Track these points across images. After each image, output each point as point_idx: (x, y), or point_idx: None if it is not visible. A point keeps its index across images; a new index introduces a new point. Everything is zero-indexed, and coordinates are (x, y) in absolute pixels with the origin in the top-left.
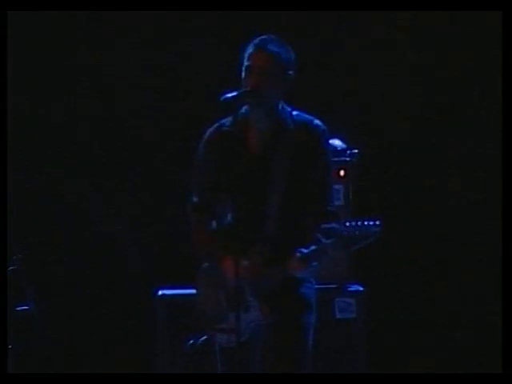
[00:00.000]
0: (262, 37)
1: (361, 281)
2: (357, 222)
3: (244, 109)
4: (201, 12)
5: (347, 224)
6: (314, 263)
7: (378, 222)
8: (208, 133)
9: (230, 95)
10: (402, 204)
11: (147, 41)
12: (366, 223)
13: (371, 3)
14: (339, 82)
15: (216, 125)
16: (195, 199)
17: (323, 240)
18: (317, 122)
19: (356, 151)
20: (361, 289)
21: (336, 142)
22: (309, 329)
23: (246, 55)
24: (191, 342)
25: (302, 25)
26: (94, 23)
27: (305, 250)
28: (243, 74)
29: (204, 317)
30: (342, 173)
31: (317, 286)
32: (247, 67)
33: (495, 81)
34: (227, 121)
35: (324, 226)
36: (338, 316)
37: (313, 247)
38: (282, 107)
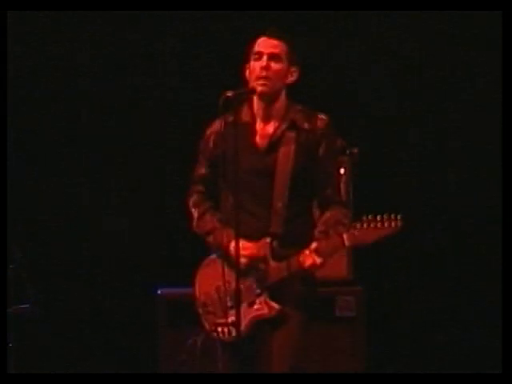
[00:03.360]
0: (272, 27)
1: (361, 279)
2: (376, 215)
3: (248, 100)
4: (202, 12)
5: (366, 217)
6: (329, 257)
7: (399, 217)
8: (211, 125)
9: (230, 93)
10: (402, 202)
11: (148, 39)
12: (385, 217)
13: (371, 3)
14: (339, 80)
15: (219, 118)
16: (196, 187)
17: (333, 233)
18: (320, 113)
19: (356, 150)
20: (360, 287)
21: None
22: (309, 327)
23: (256, 43)
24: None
25: (301, 24)
26: (94, 23)
27: (317, 245)
28: (252, 61)
29: (204, 311)
30: (341, 171)
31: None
32: (257, 53)
33: (495, 81)
34: (232, 112)
35: (333, 217)
36: (338, 314)
37: (328, 241)
38: (286, 99)
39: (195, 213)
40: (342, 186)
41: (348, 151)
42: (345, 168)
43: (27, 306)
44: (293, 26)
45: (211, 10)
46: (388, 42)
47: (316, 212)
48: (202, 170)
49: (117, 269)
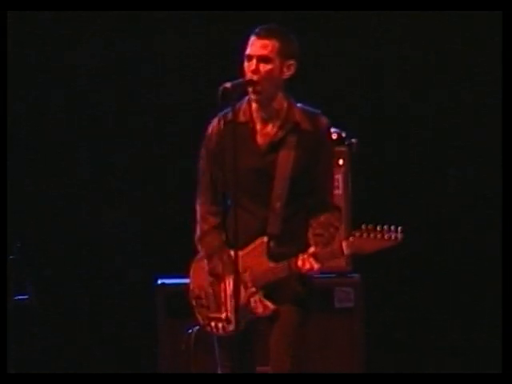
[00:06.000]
0: (264, 25)
1: (359, 270)
2: (376, 225)
3: (246, 99)
4: (201, 12)
5: (366, 227)
6: (327, 263)
7: (399, 229)
8: (211, 125)
9: (228, 85)
10: (401, 194)
11: (148, 39)
12: (386, 228)
13: (371, 3)
14: (339, 72)
15: (218, 117)
16: (202, 198)
17: (327, 236)
18: (321, 115)
19: (355, 140)
20: (359, 278)
21: (335, 131)
22: (305, 322)
23: (249, 43)
24: (189, 331)
25: (300, 16)
26: (94, 23)
27: (315, 249)
28: (244, 63)
29: (198, 304)
30: (340, 162)
31: (315, 276)
32: (247, 55)
33: (495, 81)
34: (229, 111)
35: (325, 220)
36: (337, 305)
37: (327, 247)
38: (285, 98)
39: (198, 228)
40: (341, 176)
41: (347, 142)
42: (344, 159)
43: (26, 297)
44: (293, 25)
45: (211, 10)
46: (388, 42)
47: (309, 212)
48: (209, 175)
49: (116, 259)
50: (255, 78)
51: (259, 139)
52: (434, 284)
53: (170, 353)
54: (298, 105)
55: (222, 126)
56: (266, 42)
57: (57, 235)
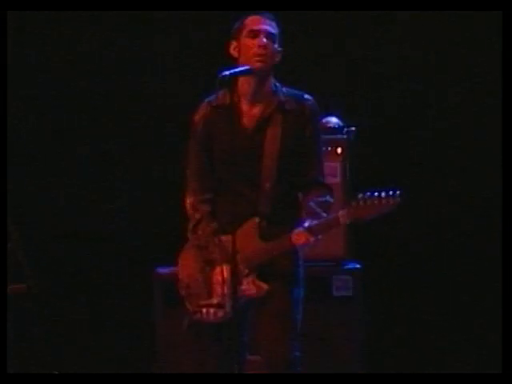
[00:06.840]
0: (264, 11)
1: (358, 258)
2: (373, 192)
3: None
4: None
5: (363, 194)
6: (320, 236)
7: (397, 193)
8: (197, 113)
9: (226, 73)
10: (400, 182)
11: (148, 39)
12: (384, 193)
13: (371, 3)
14: (339, 72)
15: (205, 101)
16: (193, 187)
17: (323, 214)
18: (306, 95)
19: (353, 129)
20: (358, 266)
21: (333, 120)
22: (298, 303)
23: (249, 21)
24: (186, 321)
25: (300, 16)
26: (94, 22)
27: (310, 223)
28: (247, 39)
29: (188, 293)
30: (338, 150)
31: (313, 264)
32: (254, 31)
33: (495, 81)
34: (214, 97)
35: (318, 198)
36: (335, 294)
37: (321, 219)
38: (272, 80)
39: (191, 218)
40: (339, 165)
41: (345, 130)
42: (342, 147)
43: (24, 285)
44: (293, 25)
45: (211, 10)
46: (388, 42)
47: (299, 192)
48: (198, 163)
49: (115, 247)
50: (264, 52)
51: (246, 121)
52: (434, 281)
53: (167, 341)
54: (284, 86)
55: (209, 112)
56: (272, 22)
57: (56, 234)
